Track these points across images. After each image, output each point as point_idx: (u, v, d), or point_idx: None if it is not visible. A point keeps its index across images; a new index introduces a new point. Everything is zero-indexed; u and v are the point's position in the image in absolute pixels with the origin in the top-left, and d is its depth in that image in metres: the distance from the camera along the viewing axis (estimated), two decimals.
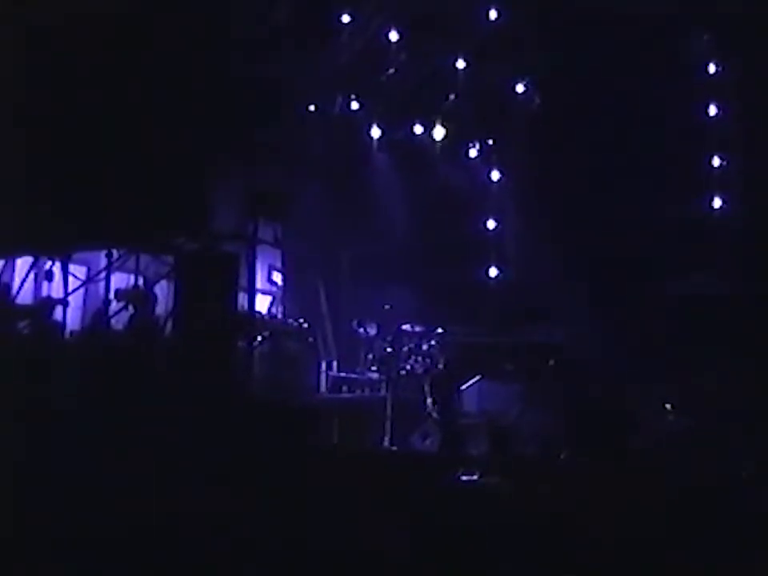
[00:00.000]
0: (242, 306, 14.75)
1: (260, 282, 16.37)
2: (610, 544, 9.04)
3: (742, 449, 12.27)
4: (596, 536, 9.18)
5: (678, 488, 10.38)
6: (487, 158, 18.79)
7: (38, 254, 14.84)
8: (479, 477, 11.77)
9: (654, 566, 8.78)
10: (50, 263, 14.69)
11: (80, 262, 15.12)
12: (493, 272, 18.50)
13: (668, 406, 14.81)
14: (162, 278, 14.78)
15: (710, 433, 13.34)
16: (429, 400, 15.86)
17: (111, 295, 14.42)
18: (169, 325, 14.19)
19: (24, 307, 14.42)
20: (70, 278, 14.63)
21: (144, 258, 14.74)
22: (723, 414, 13.44)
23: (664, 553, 8.90)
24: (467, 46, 17.76)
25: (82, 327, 14.93)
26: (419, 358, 16.79)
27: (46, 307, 14.20)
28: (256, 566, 8.82)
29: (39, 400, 11.73)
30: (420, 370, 16.65)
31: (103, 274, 14.63)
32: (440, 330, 17.06)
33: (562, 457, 13.52)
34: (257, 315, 15.78)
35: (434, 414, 15.62)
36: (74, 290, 14.69)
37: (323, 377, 16.80)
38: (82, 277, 15.22)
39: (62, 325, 14.16)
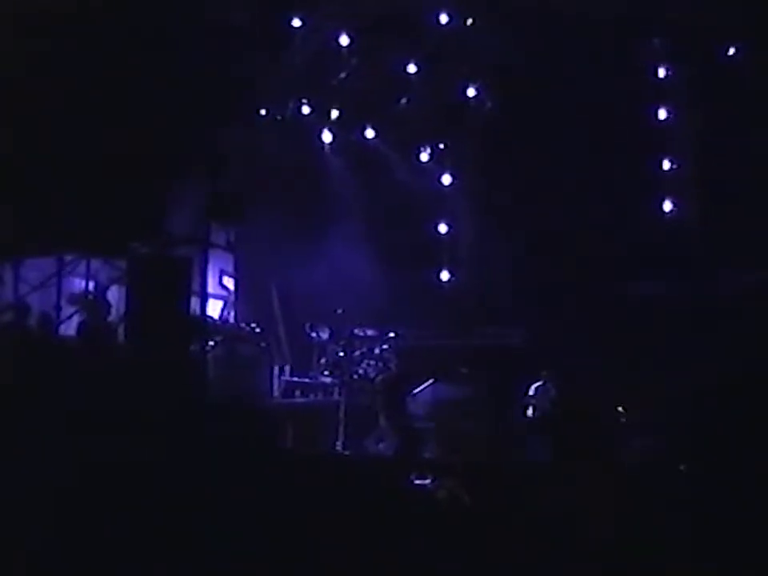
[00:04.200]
0: (194, 311, 14.68)
1: (211, 287, 16.29)
2: (565, 547, 9.09)
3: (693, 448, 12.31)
4: (552, 541, 9.23)
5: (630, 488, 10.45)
6: (439, 162, 18.84)
7: None
8: (432, 481, 11.79)
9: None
10: None
11: (32, 267, 14.97)
12: (445, 275, 18.55)
13: (620, 408, 14.91)
14: (114, 282, 14.69)
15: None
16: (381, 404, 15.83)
17: (63, 300, 14.32)
18: (120, 330, 14.08)
19: None
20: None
21: (95, 263, 14.65)
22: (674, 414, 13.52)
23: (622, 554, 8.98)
24: (418, 50, 17.75)
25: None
26: (372, 362, 16.77)
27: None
28: (206, 566, 8.83)
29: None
30: (373, 374, 16.63)
31: (54, 279, 14.51)
32: (393, 334, 17.07)
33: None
34: (209, 320, 15.72)
35: (386, 419, 15.58)
36: (24, 295, 14.56)
37: (276, 381, 16.74)
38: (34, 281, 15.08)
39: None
